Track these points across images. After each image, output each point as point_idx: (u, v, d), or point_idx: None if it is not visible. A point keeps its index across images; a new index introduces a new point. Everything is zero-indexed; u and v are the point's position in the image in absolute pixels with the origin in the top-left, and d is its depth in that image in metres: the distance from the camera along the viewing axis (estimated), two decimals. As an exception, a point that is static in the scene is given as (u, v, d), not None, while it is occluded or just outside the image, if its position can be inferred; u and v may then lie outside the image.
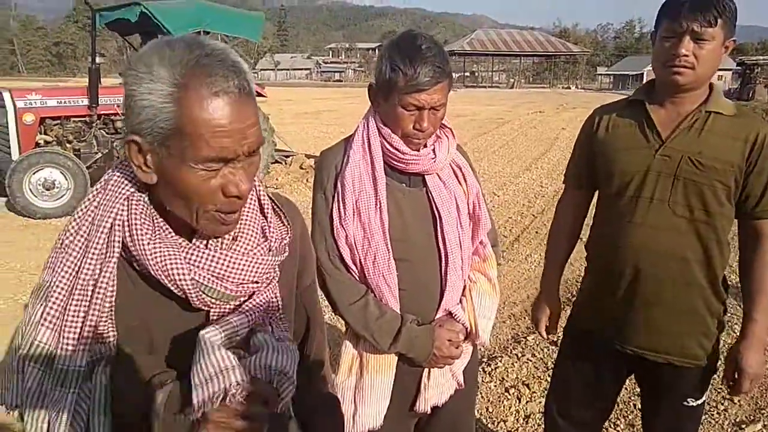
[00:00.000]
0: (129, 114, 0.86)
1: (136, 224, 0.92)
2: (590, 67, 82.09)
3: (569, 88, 56.38)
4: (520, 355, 3.79)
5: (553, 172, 10.36)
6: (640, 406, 3.09)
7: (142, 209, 0.94)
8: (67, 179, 7.04)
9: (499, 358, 3.70)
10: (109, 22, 8.21)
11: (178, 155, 0.85)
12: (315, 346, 1.21)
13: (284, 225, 1.07)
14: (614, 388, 1.98)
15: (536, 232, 6.71)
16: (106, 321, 0.92)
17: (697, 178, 1.64)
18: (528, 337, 4.04)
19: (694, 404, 1.79)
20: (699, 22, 1.55)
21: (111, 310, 0.92)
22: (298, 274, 1.13)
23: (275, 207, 1.07)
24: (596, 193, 1.94)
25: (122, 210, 0.93)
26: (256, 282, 0.99)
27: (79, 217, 0.96)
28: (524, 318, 4.43)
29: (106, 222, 0.93)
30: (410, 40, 1.52)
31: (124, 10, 7.94)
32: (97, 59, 7.95)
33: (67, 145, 7.62)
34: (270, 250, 1.01)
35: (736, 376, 1.72)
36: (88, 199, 0.97)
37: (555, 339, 2.05)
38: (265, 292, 1.01)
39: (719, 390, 3.23)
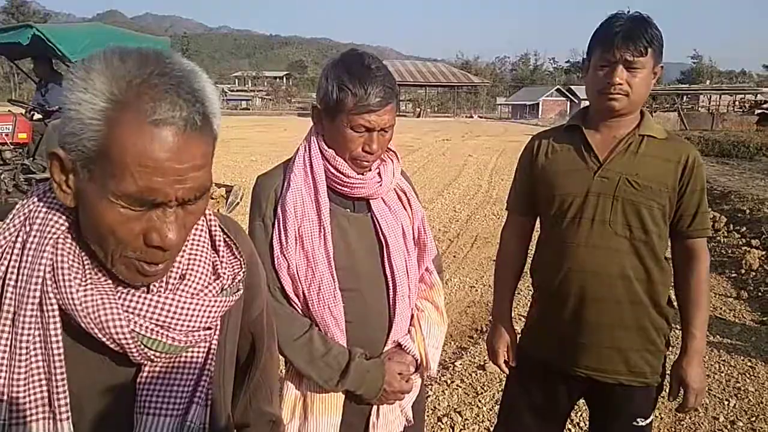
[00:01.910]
0: (61, 123, 0.73)
1: (62, 268, 0.77)
2: (490, 97, 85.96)
3: (472, 117, 58.51)
4: (449, 381, 3.75)
5: (464, 197, 10.62)
6: (578, 426, 3.15)
7: (70, 249, 0.79)
8: (-54, 214, 6.35)
9: (429, 387, 3.64)
10: (-5, 46, 7.61)
11: (99, 182, 0.72)
12: (260, 370, 1.09)
13: (237, 258, 0.93)
14: (566, 412, 1.96)
15: (454, 257, 6.78)
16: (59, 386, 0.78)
17: (635, 198, 1.68)
18: (455, 363, 4.01)
19: (643, 424, 1.80)
20: (631, 52, 1.61)
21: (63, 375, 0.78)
22: (244, 306, 1.00)
23: (227, 238, 0.94)
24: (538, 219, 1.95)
25: (52, 256, 0.78)
26: (209, 328, 0.85)
27: None
28: (450, 343, 4.41)
29: (38, 272, 0.76)
30: (357, 60, 1.45)
31: (13, 32, 7.38)
32: (-18, 84, 7.32)
33: (-53, 177, 6.91)
34: (223, 290, 0.87)
35: (682, 392, 1.76)
36: (6, 234, 0.80)
37: (507, 367, 2.00)
38: (207, 339, 0.88)
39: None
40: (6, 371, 0.76)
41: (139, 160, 0.70)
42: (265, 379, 1.11)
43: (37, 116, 7.78)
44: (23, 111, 7.81)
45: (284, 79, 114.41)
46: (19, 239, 0.79)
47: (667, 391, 1.81)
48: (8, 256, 0.78)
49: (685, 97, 36.07)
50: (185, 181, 0.73)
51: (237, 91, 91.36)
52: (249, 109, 68.38)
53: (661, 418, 3.27)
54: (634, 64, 1.62)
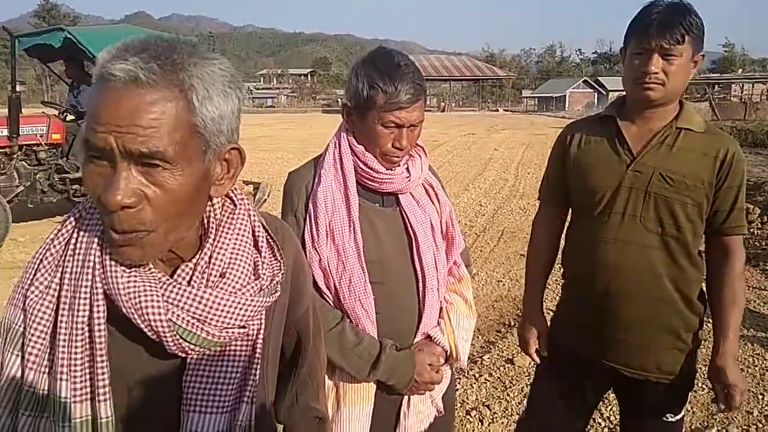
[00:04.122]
0: None
1: (110, 255, 0.81)
2: (516, 90, 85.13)
3: (497, 110, 58.05)
4: (477, 375, 3.76)
5: (490, 191, 10.57)
6: (608, 420, 3.14)
7: None
8: (-15, 214, 6.53)
9: (457, 380, 3.66)
10: (29, 48, 7.79)
11: None
12: (306, 366, 1.11)
13: (277, 260, 0.95)
14: (593, 403, 1.96)
15: (480, 251, 6.77)
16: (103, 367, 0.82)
17: (668, 194, 1.64)
18: (483, 357, 4.02)
19: (673, 420, 1.77)
20: (667, 40, 1.57)
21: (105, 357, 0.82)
22: (290, 305, 1.02)
23: (269, 238, 0.96)
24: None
25: (102, 244, 0.83)
26: (243, 327, 0.88)
27: (56, 250, 0.84)
28: (477, 338, 4.42)
29: (89, 260, 0.82)
30: (387, 58, 1.47)
31: (46, 35, 7.56)
32: (18, 87, 7.50)
33: (-15, 178, 7.11)
34: (261, 290, 0.89)
35: (726, 393, 1.67)
36: (70, 226, 0.86)
37: (538, 358, 2.00)
38: (251, 337, 0.91)
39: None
40: (66, 353, 0.80)
41: (90, 111, 0.75)
42: (311, 376, 1.13)
43: (69, 117, 7.98)
44: (56, 112, 8.00)
45: (309, 76, 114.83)
46: (76, 227, 0.85)
47: (715, 397, 1.73)
48: (66, 247, 0.84)
49: (716, 87, 35.26)
50: (126, 134, 0.73)
51: (262, 89, 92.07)
52: (274, 107, 68.85)
53: (693, 413, 3.24)
54: (671, 52, 1.58)
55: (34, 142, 7.36)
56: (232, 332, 0.86)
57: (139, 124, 0.73)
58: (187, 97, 0.77)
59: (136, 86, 0.73)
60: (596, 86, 64.24)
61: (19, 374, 0.81)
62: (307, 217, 1.52)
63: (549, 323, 2.01)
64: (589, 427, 3.09)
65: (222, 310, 0.84)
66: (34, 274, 0.84)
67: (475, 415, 3.28)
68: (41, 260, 0.84)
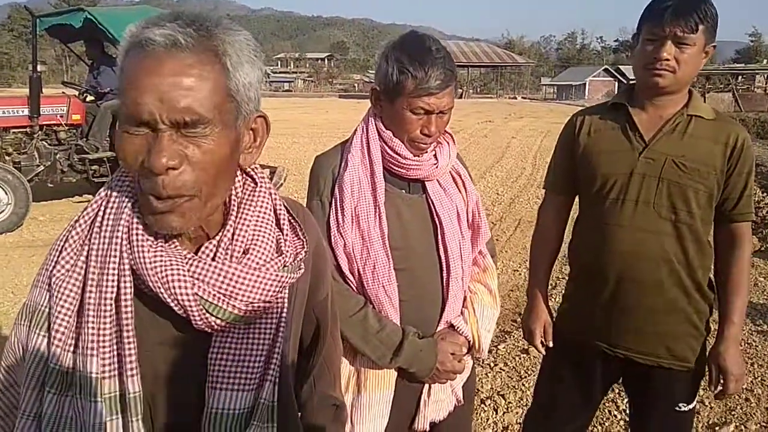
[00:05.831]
0: None
1: (137, 230, 0.82)
2: (535, 77, 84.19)
3: (515, 98, 57.36)
4: (492, 365, 3.75)
5: (507, 180, 10.50)
6: (624, 412, 3.11)
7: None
8: (6, 194, 6.57)
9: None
10: (50, 28, 7.83)
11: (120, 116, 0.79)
12: (324, 354, 1.11)
13: (299, 239, 0.96)
14: (601, 394, 1.95)
15: (497, 240, 6.74)
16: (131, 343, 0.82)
17: (681, 180, 1.65)
18: (499, 346, 4.00)
19: (686, 409, 1.78)
20: (681, 28, 1.57)
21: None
22: (310, 290, 1.02)
23: (291, 219, 0.96)
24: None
25: (129, 219, 0.83)
26: (268, 302, 0.88)
27: (81, 229, 0.85)
28: (493, 326, 4.40)
29: (117, 235, 0.82)
30: (418, 42, 1.45)
31: (66, 15, 7.59)
32: (38, 67, 7.54)
33: (6, 157, 7.14)
34: (284, 266, 0.90)
35: (722, 378, 1.73)
36: (95, 204, 0.86)
37: (543, 349, 1.99)
38: (275, 315, 0.91)
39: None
40: (95, 330, 0.81)
41: (125, 80, 0.76)
42: (328, 364, 1.13)
43: (89, 98, 8.02)
44: (76, 93, 8.05)
45: (326, 60, 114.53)
46: (102, 206, 0.85)
47: (708, 378, 1.77)
48: (92, 226, 0.85)
49: (740, 78, 34.56)
50: (170, 99, 0.74)
51: (280, 72, 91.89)
52: (291, 91, 68.80)
53: (711, 408, 3.21)
54: (684, 40, 1.58)
55: (54, 122, 7.42)
56: (258, 307, 0.87)
57: (180, 86, 0.75)
58: (221, 61, 0.79)
59: (176, 50, 0.75)
60: (617, 75, 63.26)
61: (45, 354, 0.82)
62: (333, 201, 1.51)
63: (556, 313, 1.99)
64: (605, 419, 3.09)
65: (247, 285, 0.84)
66: (60, 254, 0.84)
67: (489, 405, 3.27)
68: (66, 240, 0.85)
